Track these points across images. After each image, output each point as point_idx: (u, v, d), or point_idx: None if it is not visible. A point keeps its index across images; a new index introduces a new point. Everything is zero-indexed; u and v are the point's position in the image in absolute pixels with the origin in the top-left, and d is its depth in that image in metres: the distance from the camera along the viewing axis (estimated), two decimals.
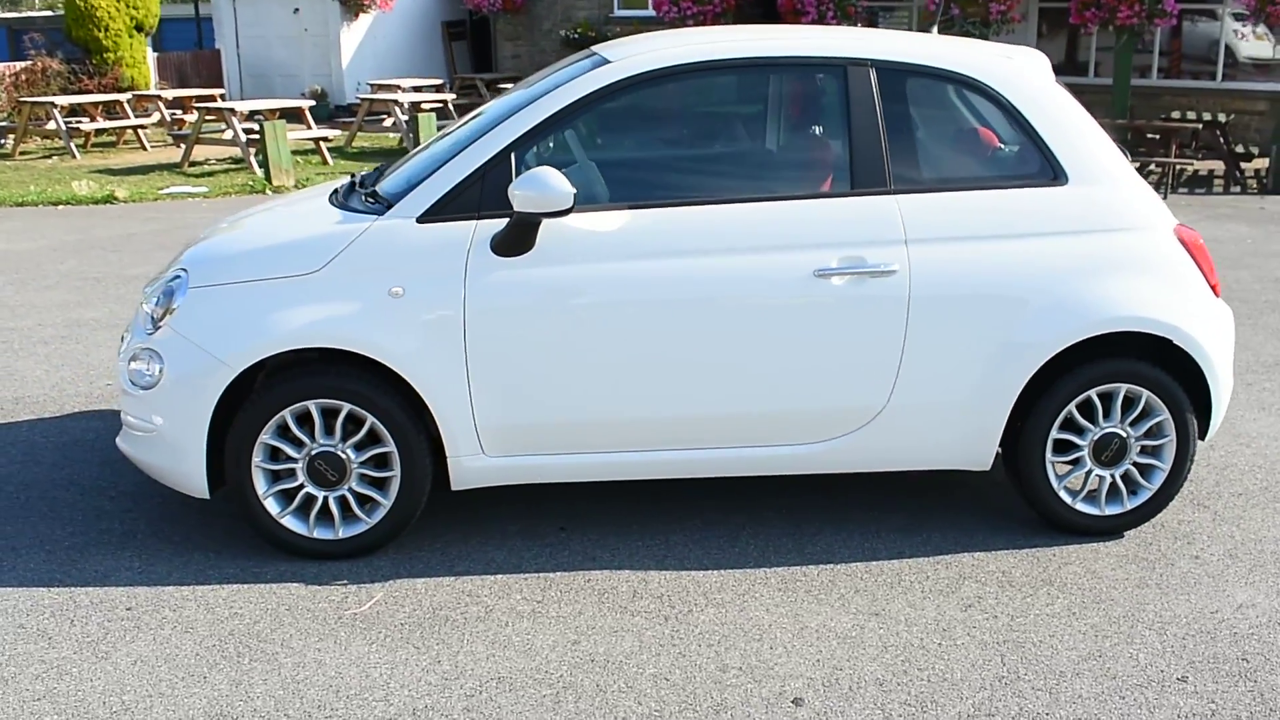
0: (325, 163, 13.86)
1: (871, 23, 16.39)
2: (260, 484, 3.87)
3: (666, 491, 4.48)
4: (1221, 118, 13.14)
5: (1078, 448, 4.06)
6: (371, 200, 4.05)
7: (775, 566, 3.94)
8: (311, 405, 3.81)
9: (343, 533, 3.93)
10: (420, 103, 15.46)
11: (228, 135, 13.27)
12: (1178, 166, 12.74)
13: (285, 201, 4.71)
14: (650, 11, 20.70)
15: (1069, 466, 4.10)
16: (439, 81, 18.65)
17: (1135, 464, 4.08)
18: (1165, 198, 10.25)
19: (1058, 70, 5.89)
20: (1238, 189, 12.61)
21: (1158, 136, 12.35)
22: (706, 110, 4.29)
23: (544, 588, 3.80)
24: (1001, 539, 4.14)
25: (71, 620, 3.57)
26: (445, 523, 4.22)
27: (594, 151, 4.03)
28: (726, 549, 4.07)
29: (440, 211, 3.80)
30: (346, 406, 3.81)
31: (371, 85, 17.82)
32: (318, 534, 3.92)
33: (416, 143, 13.30)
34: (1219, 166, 13.57)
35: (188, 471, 3.88)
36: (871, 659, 3.40)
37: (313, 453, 3.86)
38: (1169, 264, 3.99)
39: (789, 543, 4.11)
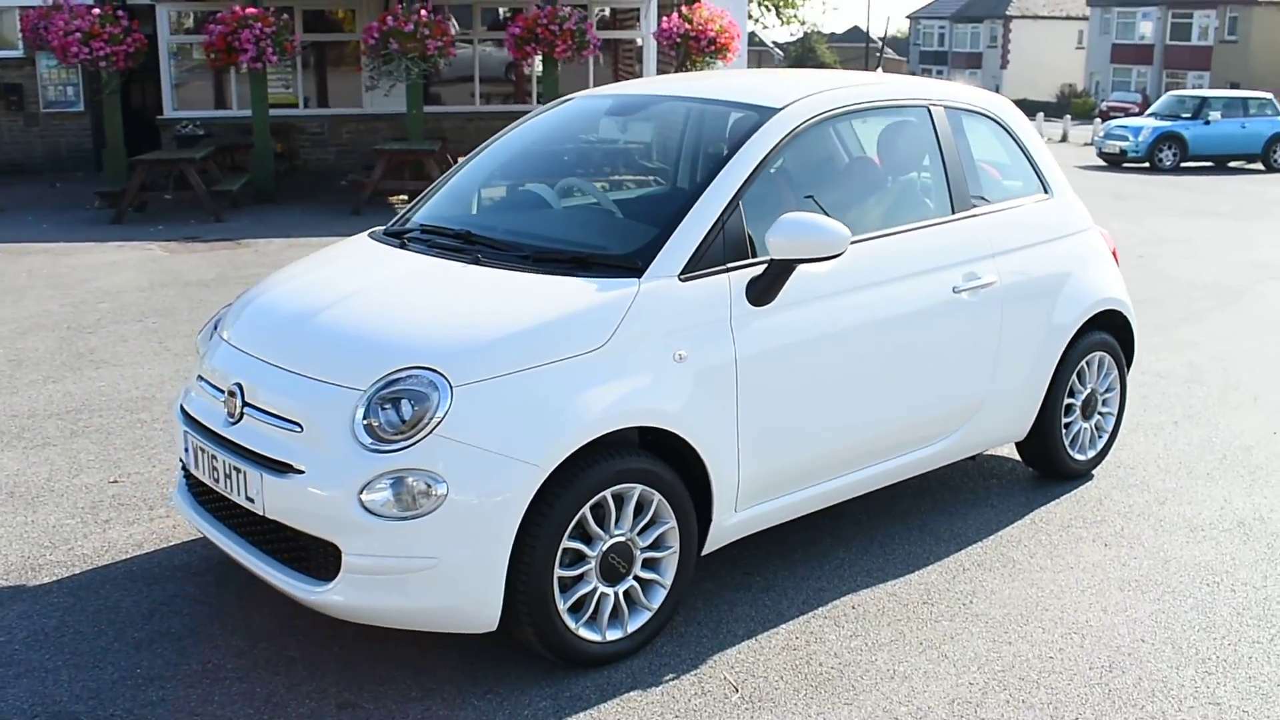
0: None
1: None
2: (559, 596, 3.39)
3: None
4: None
5: (1074, 408, 5.05)
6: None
7: (948, 556, 4.37)
8: (608, 494, 3.44)
9: (630, 627, 3.58)
10: None
11: None
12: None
13: (368, 274, 3.99)
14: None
15: (1064, 426, 5.07)
16: None
17: (1100, 413, 5.19)
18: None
19: None
20: None
21: None
22: (842, 147, 4.53)
23: (834, 624, 3.84)
24: (1038, 498, 4.96)
25: None
26: None
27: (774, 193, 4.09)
28: (891, 554, 4.38)
29: (695, 267, 3.65)
30: (638, 488, 3.50)
31: None
32: (609, 635, 3.53)
33: None
34: None
35: (477, 605, 3.27)
36: (1153, 600, 4.04)
37: (605, 547, 3.47)
38: (1104, 255, 5.15)
39: (930, 538, 4.53)
